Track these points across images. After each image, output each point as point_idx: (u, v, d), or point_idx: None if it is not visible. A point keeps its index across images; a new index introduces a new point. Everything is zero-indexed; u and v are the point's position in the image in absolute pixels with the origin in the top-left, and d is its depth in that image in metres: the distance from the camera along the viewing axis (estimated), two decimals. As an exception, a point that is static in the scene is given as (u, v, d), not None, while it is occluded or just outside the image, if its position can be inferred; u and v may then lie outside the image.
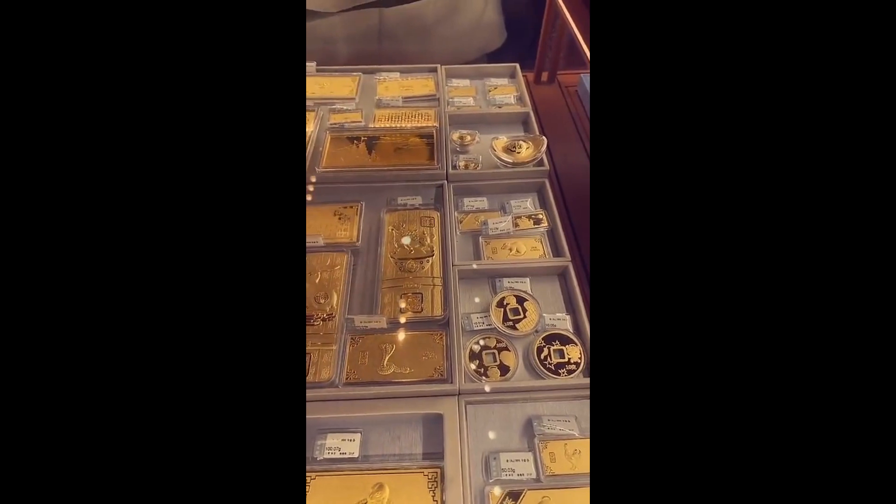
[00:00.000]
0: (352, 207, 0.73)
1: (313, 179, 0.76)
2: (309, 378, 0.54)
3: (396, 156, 0.79)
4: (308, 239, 0.67)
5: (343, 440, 0.52)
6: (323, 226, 0.70)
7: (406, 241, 0.63)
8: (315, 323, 0.59)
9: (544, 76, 1.09)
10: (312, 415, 0.52)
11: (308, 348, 0.57)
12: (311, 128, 0.85)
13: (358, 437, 0.52)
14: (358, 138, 0.82)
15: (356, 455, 0.51)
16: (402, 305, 0.60)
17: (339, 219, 0.72)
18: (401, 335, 0.58)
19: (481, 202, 0.76)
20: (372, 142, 0.82)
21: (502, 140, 0.79)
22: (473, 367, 0.56)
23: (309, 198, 0.75)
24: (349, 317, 0.58)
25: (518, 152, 0.77)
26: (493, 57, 1.17)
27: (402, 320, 0.59)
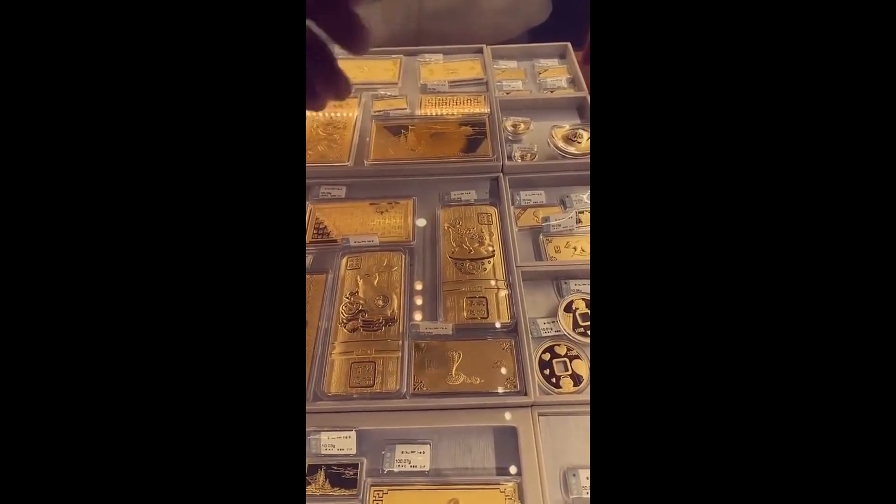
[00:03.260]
0: (396, 203, 0.70)
1: (361, 172, 0.72)
2: (374, 388, 0.52)
3: (447, 146, 0.75)
4: (363, 238, 0.64)
5: (413, 452, 0.50)
6: (376, 224, 0.67)
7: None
8: (378, 329, 0.56)
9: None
10: (379, 426, 0.51)
11: (372, 356, 0.54)
12: (355, 114, 0.81)
13: (428, 448, 0.50)
14: (405, 127, 0.78)
15: (427, 468, 0.49)
16: (467, 310, 0.58)
17: (381, 214, 0.68)
18: (468, 342, 0.55)
19: (539, 195, 0.72)
20: (421, 131, 0.77)
21: (562, 129, 0.74)
22: (544, 376, 0.53)
23: (357, 192, 0.72)
24: (413, 323, 0.56)
25: (579, 142, 0.72)
26: (538, 32, 1.10)
27: (468, 326, 0.57)
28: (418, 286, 0.61)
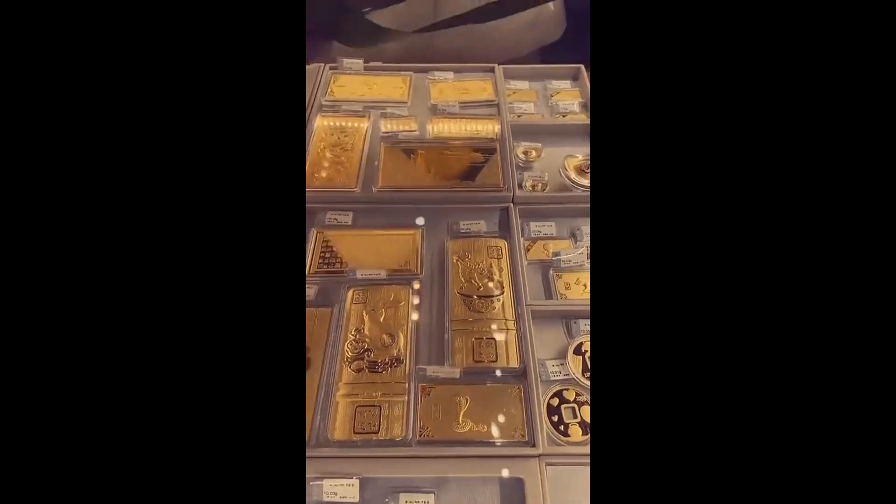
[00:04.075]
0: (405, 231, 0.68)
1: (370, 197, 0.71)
2: (379, 435, 0.51)
3: (457, 172, 0.73)
4: (370, 272, 0.62)
5: (417, 502, 0.49)
6: (383, 252, 0.66)
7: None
8: (382, 370, 0.55)
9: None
10: (383, 473, 0.49)
11: (377, 399, 0.53)
12: (363, 135, 0.79)
13: (432, 497, 0.49)
14: (414, 151, 0.76)
15: (431, 518, 0.48)
16: (475, 352, 0.56)
17: (389, 242, 0.67)
18: (475, 387, 0.54)
19: (549, 227, 0.70)
20: (430, 156, 0.76)
21: (575, 159, 0.72)
22: (552, 423, 0.52)
23: (364, 219, 0.70)
24: (420, 367, 0.55)
25: (592, 174, 0.70)
26: (551, 51, 1.08)
27: (475, 370, 0.55)
28: (425, 322, 0.60)
